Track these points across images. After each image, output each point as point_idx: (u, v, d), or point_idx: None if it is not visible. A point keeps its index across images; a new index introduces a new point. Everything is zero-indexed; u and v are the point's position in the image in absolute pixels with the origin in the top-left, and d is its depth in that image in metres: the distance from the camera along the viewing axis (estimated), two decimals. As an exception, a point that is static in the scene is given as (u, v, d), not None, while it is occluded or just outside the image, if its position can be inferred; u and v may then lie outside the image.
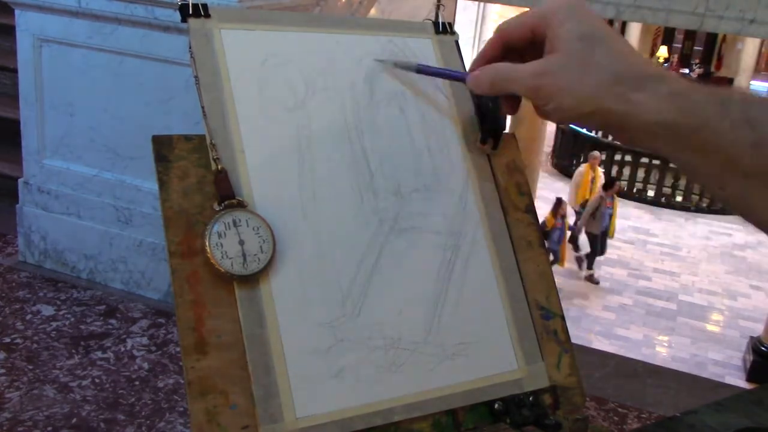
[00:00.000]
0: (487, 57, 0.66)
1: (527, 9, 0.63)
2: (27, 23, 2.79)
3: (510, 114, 0.70)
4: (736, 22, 5.69)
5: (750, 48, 16.97)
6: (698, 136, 0.53)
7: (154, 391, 2.33)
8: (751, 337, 6.90)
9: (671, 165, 11.17)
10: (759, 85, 20.93)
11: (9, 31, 3.32)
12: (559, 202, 8.46)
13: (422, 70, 0.80)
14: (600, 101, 0.55)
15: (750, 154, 0.51)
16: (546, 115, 0.60)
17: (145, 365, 2.46)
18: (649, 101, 0.54)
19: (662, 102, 0.54)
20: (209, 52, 0.76)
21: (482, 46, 0.67)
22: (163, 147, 0.73)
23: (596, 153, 9.91)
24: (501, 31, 0.65)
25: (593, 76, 0.55)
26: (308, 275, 0.72)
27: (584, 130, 12.88)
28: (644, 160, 11.67)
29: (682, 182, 11.37)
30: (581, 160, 12.07)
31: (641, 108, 0.54)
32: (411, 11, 5.41)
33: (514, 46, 0.63)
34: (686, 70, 18.95)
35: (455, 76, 0.77)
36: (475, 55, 0.67)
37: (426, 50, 0.87)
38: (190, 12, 0.76)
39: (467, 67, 0.82)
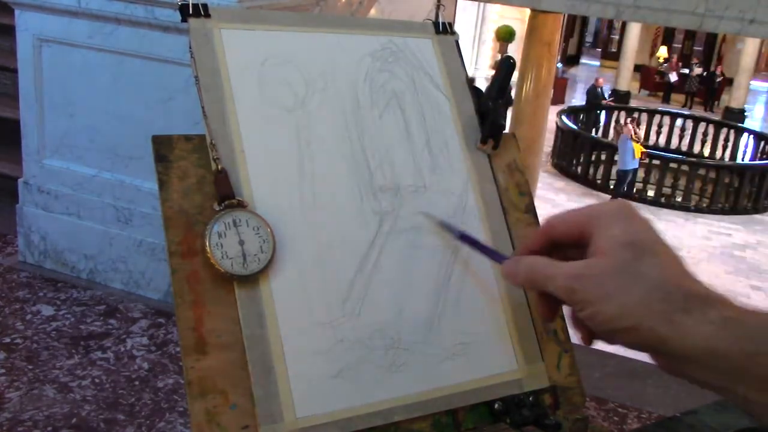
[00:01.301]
0: (530, 249, 0.62)
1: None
2: (27, 23, 2.79)
3: (548, 320, 0.65)
4: (736, 22, 5.69)
5: (750, 48, 16.97)
6: (758, 366, 0.48)
7: (154, 391, 2.33)
8: (751, 337, 6.89)
9: (671, 165, 11.20)
10: (759, 85, 20.95)
11: (9, 31, 3.32)
12: None
13: (464, 237, 0.76)
14: (642, 317, 0.51)
15: None
16: (581, 322, 0.56)
17: (145, 365, 2.46)
18: (696, 326, 0.50)
19: (712, 328, 0.49)
20: (209, 52, 0.76)
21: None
22: (163, 147, 0.73)
23: None
24: (548, 225, 0.62)
25: (637, 288, 0.52)
26: (308, 275, 0.72)
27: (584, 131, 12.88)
28: (644, 160, 11.67)
29: (682, 182, 11.37)
30: (581, 160, 12.08)
31: (686, 332, 0.50)
32: (411, 11, 5.41)
33: (560, 242, 0.61)
34: (686, 70, 18.95)
35: (493, 257, 0.73)
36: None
37: (426, 50, 0.87)
38: (190, 12, 0.76)
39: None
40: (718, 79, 18.77)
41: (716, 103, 18.73)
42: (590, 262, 0.55)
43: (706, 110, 17.80)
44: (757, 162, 12.73)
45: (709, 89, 18.63)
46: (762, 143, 13.36)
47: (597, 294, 0.53)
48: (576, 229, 0.58)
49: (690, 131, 14.12)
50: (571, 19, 19.86)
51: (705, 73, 18.78)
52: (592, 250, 0.56)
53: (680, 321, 0.50)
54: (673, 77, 18.89)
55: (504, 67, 0.86)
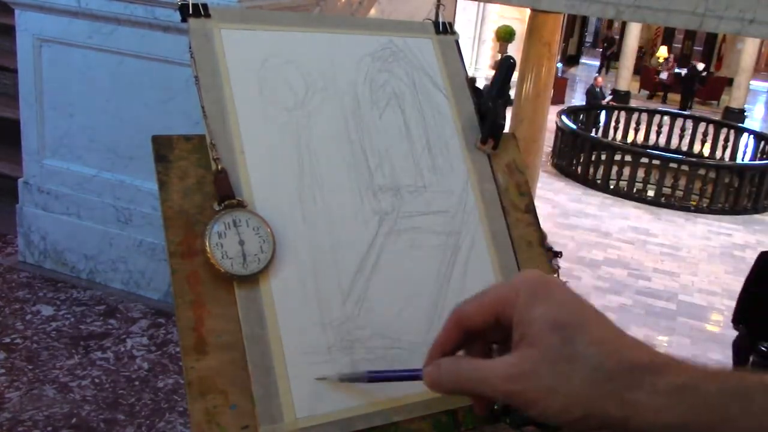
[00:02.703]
0: (444, 347, 0.56)
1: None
2: (27, 23, 2.79)
3: (479, 414, 0.58)
4: (736, 22, 5.69)
5: (750, 48, 16.97)
6: None
7: (154, 391, 2.33)
8: (751, 337, 6.89)
9: (671, 165, 11.16)
10: (759, 85, 20.95)
11: (9, 31, 3.32)
12: None
13: (374, 378, 0.69)
14: (591, 403, 0.47)
15: None
16: (535, 418, 0.50)
17: (145, 365, 2.46)
18: (648, 400, 0.45)
19: (664, 399, 0.45)
20: (209, 52, 0.76)
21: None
22: (163, 147, 0.73)
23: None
24: (458, 316, 0.55)
25: (577, 374, 0.47)
26: (308, 275, 0.72)
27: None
28: (644, 160, 11.68)
29: (682, 182, 11.37)
30: (581, 160, 12.08)
31: (641, 409, 0.46)
32: (411, 11, 5.41)
33: (475, 331, 0.55)
34: (684, 70, 18.95)
35: (409, 377, 0.64)
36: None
37: (426, 50, 0.87)
38: (190, 12, 0.76)
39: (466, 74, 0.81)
40: (703, 74, 18.34)
41: (692, 100, 18.15)
42: (520, 355, 0.49)
43: (681, 107, 17.41)
44: (757, 162, 12.73)
45: (686, 85, 18.00)
46: (762, 143, 13.35)
47: (538, 391, 0.48)
48: (490, 315, 0.53)
49: (690, 131, 14.12)
50: (571, 19, 19.86)
51: (687, 70, 18.40)
52: (517, 339, 0.50)
53: (633, 398, 0.46)
54: (664, 75, 18.91)
55: (504, 66, 0.86)
